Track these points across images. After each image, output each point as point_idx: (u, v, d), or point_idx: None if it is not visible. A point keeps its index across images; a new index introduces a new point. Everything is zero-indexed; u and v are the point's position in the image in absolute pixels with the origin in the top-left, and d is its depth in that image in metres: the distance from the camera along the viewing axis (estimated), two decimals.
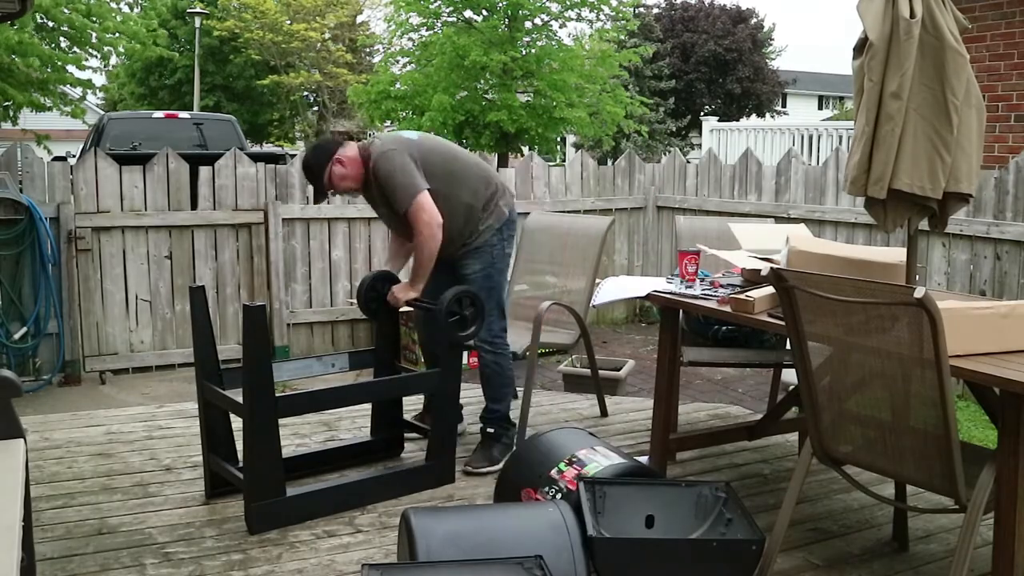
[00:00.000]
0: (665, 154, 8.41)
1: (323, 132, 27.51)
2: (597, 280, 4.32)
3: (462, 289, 3.56)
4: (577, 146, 18.18)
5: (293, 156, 6.97)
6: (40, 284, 5.42)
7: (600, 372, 5.12)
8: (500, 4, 12.52)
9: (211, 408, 3.38)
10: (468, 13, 12.98)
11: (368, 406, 4.05)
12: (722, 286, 3.47)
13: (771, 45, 30.59)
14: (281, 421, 3.22)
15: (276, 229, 6.03)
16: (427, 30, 13.62)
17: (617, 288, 3.74)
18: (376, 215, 4.00)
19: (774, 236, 3.88)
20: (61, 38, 10.81)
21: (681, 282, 3.49)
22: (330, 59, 24.62)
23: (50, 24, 10.46)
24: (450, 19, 13.26)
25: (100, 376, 5.68)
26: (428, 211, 3.59)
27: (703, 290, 3.43)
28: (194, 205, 5.94)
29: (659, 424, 3.66)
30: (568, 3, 13.25)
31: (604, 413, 4.66)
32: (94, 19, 10.40)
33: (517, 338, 4.36)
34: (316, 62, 24.72)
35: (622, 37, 15.14)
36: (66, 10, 9.93)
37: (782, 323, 2.75)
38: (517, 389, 5.00)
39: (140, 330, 5.84)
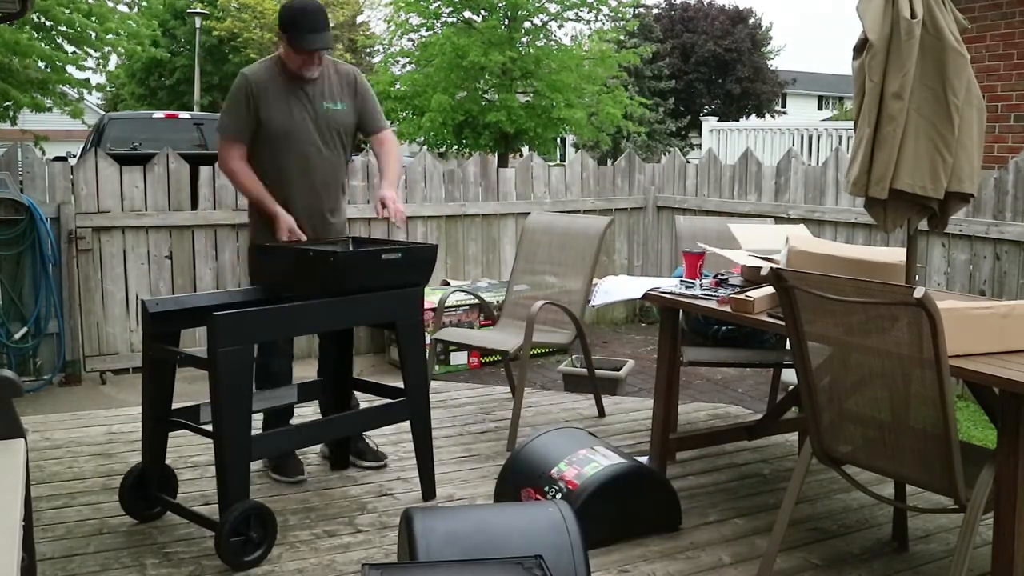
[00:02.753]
0: (665, 154, 8.41)
1: None
2: (595, 280, 4.33)
3: (252, 505, 3.03)
4: (577, 146, 18.18)
5: None
6: (40, 284, 5.42)
7: (600, 372, 5.12)
8: (499, 4, 12.52)
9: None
10: (468, 13, 12.99)
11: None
12: (721, 285, 3.47)
13: (769, 45, 30.58)
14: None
15: None
16: (427, 30, 13.64)
17: (615, 289, 3.74)
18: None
19: (774, 236, 3.88)
20: (61, 39, 10.82)
21: (700, 285, 3.48)
22: None
23: (49, 24, 10.47)
24: (450, 19, 13.27)
25: (100, 376, 5.68)
26: None
27: (703, 290, 3.43)
28: (194, 205, 5.93)
29: (659, 424, 3.67)
30: (567, 3, 13.26)
31: (601, 414, 4.66)
32: (94, 19, 10.41)
33: (513, 338, 4.36)
34: None
35: (621, 37, 15.16)
36: (66, 10, 9.94)
37: (782, 323, 2.75)
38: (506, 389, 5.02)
39: (140, 330, 5.84)
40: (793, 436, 4.16)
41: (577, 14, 13.73)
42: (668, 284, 3.59)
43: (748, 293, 3.15)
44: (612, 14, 14.50)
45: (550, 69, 12.54)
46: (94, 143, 9.60)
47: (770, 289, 3.02)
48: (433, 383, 5.03)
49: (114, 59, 13.68)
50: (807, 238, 3.89)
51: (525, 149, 14.05)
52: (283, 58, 3.58)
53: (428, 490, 3.55)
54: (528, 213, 5.60)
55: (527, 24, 13.04)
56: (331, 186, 3.79)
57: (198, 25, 24.87)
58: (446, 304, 5.87)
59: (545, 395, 5.19)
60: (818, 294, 2.50)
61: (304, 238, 3.63)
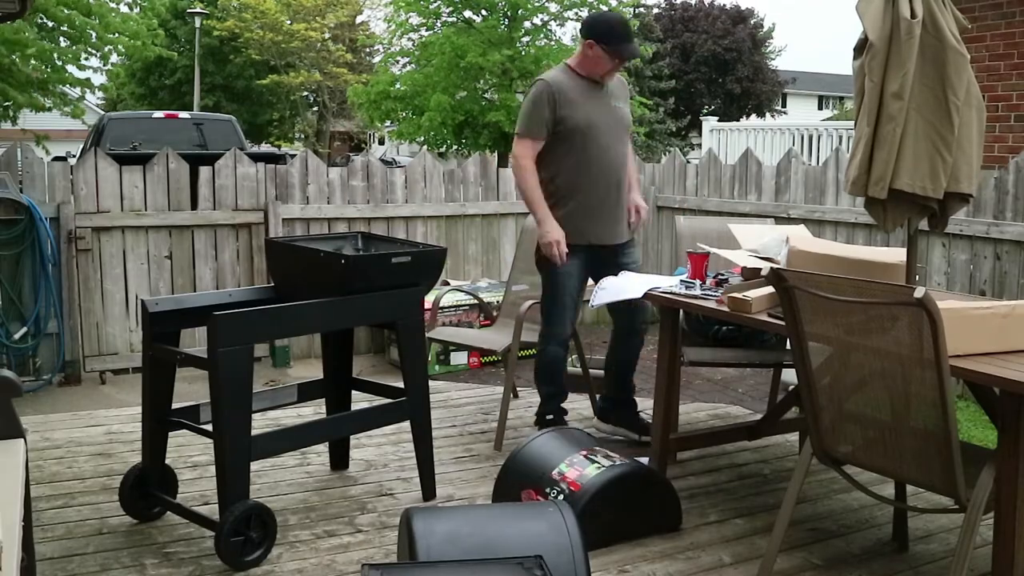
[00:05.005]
0: (665, 154, 8.41)
1: (323, 132, 27.50)
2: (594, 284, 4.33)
3: (252, 505, 3.04)
4: None
5: (293, 156, 6.97)
6: (40, 284, 5.42)
7: (600, 372, 5.10)
8: (500, 4, 12.52)
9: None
10: (468, 13, 12.98)
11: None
12: (721, 286, 3.46)
13: (770, 45, 30.57)
14: None
15: (276, 229, 6.03)
16: (427, 30, 13.63)
17: (615, 289, 3.74)
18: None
19: (774, 236, 3.87)
20: (61, 38, 10.80)
21: (700, 285, 3.48)
22: (330, 59, 24.61)
23: (50, 24, 10.46)
24: (449, 19, 13.27)
25: (100, 376, 5.68)
26: None
27: (703, 290, 3.43)
28: (194, 205, 5.93)
29: (659, 424, 3.66)
30: (567, 3, 13.26)
31: (596, 415, 4.65)
32: (94, 18, 10.40)
33: (507, 338, 4.36)
34: (316, 62, 24.71)
35: None
36: (66, 10, 9.92)
37: (782, 323, 2.75)
38: (518, 389, 5.03)
39: (140, 330, 5.84)
40: (793, 436, 4.16)
41: (577, 14, 13.73)
42: (668, 283, 3.59)
43: (746, 293, 3.15)
44: None
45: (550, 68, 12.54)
46: (94, 143, 9.60)
47: (769, 289, 3.01)
48: (433, 383, 5.01)
49: (114, 59, 13.62)
50: (807, 238, 3.89)
51: None
52: (579, 64, 3.94)
53: (428, 490, 3.55)
54: (528, 213, 5.59)
55: (527, 24, 13.04)
56: (622, 180, 4.09)
57: (198, 25, 24.86)
58: (447, 304, 5.89)
59: None
60: (818, 294, 2.50)
61: (563, 259, 3.91)
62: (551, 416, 4.15)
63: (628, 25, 3.92)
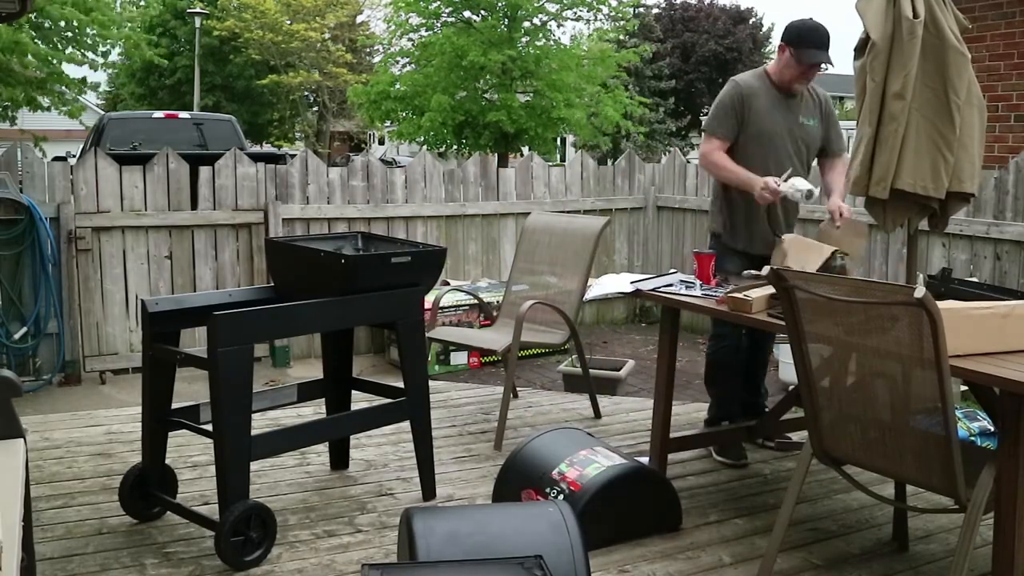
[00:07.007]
0: (665, 154, 8.41)
1: (323, 132, 27.50)
2: (591, 281, 4.32)
3: (252, 505, 3.02)
4: (577, 146, 18.18)
5: (293, 156, 6.97)
6: (40, 284, 5.42)
7: (600, 372, 5.12)
8: (499, 4, 12.52)
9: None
10: (467, 13, 12.98)
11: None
12: (722, 285, 3.46)
13: (771, 45, 30.56)
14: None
15: (276, 229, 6.03)
16: (426, 30, 13.63)
17: (608, 283, 3.75)
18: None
19: None
20: (58, 38, 10.80)
21: (702, 285, 3.48)
22: (330, 59, 24.62)
23: (47, 24, 10.46)
24: (449, 19, 13.27)
25: (100, 376, 5.68)
26: None
27: (703, 290, 3.43)
28: (194, 205, 5.93)
29: (659, 424, 3.66)
30: (566, 3, 13.26)
31: (597, 415, 4.65)
32: (93, 14, 10.41)
33: (507, 337, 4.36)
34: (316, 62, 24.72)
35: (621, 37, 15.15)
36: (64, 8, 9.92)
37: (782, 323, 2.75)
38: (518, 389, 5.01)
39: (140, 330, 5.83)
40: (793, 437, 4.16)
41: (576, 14, 13.73)
42: (657, 281, 3.59)
43: (747, 293, 3.15)
44: (612, 14, 14.51)
45: (550, 69, 12.53)
46: (94, 143, 9.60)
47: (769, 289, 3.01)
48: (433, 383, 5.01)
49: (113, 57, 13.59)
50: (802, 238, 3.89)
51: (525, 149, 14.03)
52: (774, 70, 3.90)
53: (428, 490, 3.55)
54: (528, 213, 5.60)
55: (527, 24, 13.04)
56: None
57: (198, 25, 24.85)
58: (447, 304, 5.89)
59: (545, 395, 5.18)
60: (819, 294, 2.50)
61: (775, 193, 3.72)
62: (726, 422, 4.12)
63: (823, 34, 3.77)
